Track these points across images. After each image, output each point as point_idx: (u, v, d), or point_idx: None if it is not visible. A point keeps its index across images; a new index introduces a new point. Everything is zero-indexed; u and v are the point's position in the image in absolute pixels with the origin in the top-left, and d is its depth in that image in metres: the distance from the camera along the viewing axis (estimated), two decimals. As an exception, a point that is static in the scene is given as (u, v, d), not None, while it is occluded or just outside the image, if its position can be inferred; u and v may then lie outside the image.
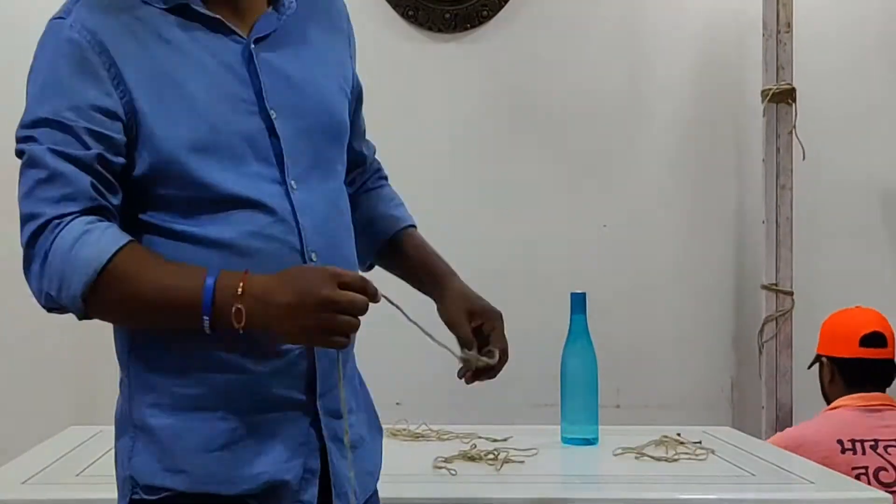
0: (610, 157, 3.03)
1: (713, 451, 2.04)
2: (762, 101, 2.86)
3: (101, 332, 3.13)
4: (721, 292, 3.02)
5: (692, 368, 3.03)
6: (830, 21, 3.04)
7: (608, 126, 3.02)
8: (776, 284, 2.83)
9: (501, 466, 1.90)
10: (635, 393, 3.02)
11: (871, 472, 2.34)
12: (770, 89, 2.82)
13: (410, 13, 2.98)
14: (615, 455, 1.95)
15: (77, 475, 1.81)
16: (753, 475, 1.84)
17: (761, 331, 2.87)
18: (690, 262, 3.04)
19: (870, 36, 3.06)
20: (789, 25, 2.83)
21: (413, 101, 2.99)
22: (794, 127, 2.83)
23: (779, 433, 2.53)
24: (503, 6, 2.99)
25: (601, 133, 3.02)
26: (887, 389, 2.51)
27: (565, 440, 2.14)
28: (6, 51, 2.93)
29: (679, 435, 2.18)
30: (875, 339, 2.48)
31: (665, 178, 3.02)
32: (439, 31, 2.99)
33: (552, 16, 3.00)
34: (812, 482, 1.80)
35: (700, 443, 2.11)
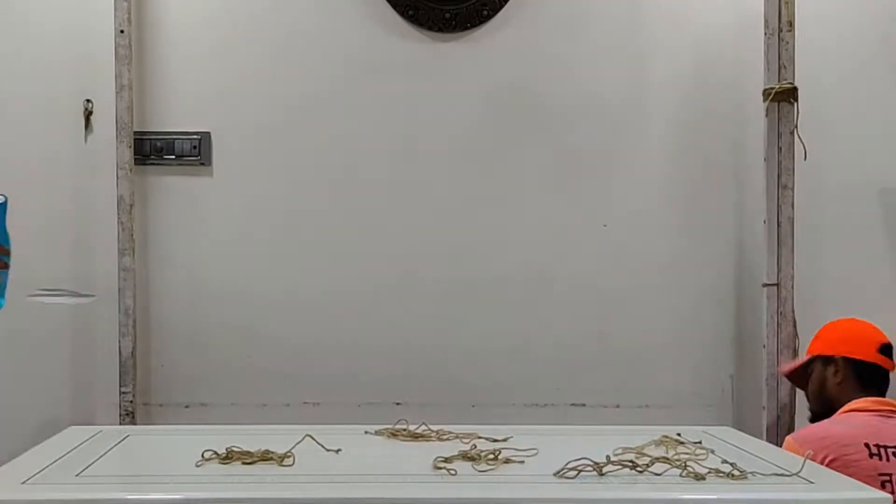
0: (610, 157, 3.02)
1: (713, 451, 2.04)
2: (764, 101, 2.86)
3: (101, 332, 3.14)
4: (721, 292, 3.02)
5: (692, 368, 3.03)
6: (833, 20, 3.04)
7: (609, 125, 3.02)
8: (777, 284, 2.83)
9: (501, 466, 1.90)
10: (635, 393, 3.02)
11: (894, 479, 2.36)
12: (772, 88, 2.82)
13: (410, 13, 2.98)
14: (615, 455, 1.95)
15: (77, 475, 1.81)
16: (753, 475, 1.84)
17: (762, 330, 2.88)
18: (691, 262, 3.04)
19: (872, 35, 3.06)
20: (791, 24, 2.83)
21: (413, 101, 2.99)
22: (796, 126, 2.82)
23: (800, 430, 2.53)
24: (503, 6, 2.99)
25: (601, 132, 3.02)
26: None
27: None
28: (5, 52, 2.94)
29: (679, 435, 2.18)
30: (890, 349, 2.59)
31: (665, 177, 3.02)
32: (439, 31, 2.99)
33: (552, 15, 3.01)
34: (812, 482, 1.80)
35: (700, 443, 2.11)
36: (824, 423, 2.51)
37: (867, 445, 2.38)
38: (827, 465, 2.34)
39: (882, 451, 2.39)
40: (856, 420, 2.46)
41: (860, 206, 3.03)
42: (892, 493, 2.34)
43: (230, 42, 2.98)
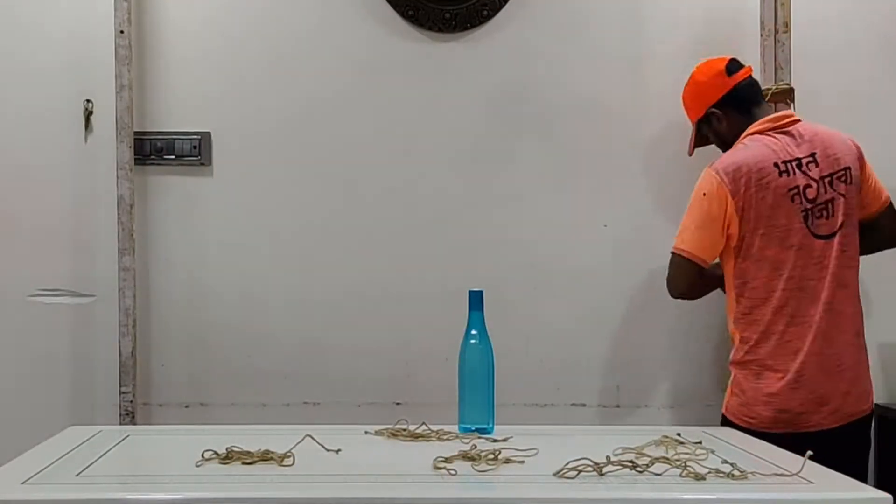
0: (610, 157, 3.03)
1: (713, 451, 2.04)
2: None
3: (101, 332, 3.13)
4: (721, 291, 3.02)
5: (692, 368, 3.03)
6: (829, 21, 3.04)
7: (608, 125, 3.02)
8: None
9: (501, 466, 1.90)
10: (635, 393, 3.02)
11: (801, 189, 2.47)
12: (769, 89, 2.82)
13: (410, 13, 2.98)
14: (615, 455, 1.95)
15: (77, 475, 1.81)
16: (753, 475, 1.83)
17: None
18: (690, 262, 3.03)
19: (869, 36, 3.06)
20: (787, 25, 2.83)
21: (413, 101, 2.99)
22: (794, 127, 2.82)
23: (716, 161, 2.55)
24: (503, 6, 2.99)
25: (601, 133, 3.02)
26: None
27: (462, 428, 2.22)
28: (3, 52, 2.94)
29: (679, 435, 2.18)
30: (734, 64, 2.63)
31: (665, 177, 3.02)
32: (439, 31, 2.99)
33: (552, 15, 3.01)
34: (812, 482, 1.80)
35: (700, 443, 2.11)
36: (736, 152, 2.54)
37: (776, 165, 2.47)
38: (750, 194, 2.46)
39: (788, 166, 2.47)
40: (761, 142, 2.53)
41: (860, 206, 3.03)
42: (800, 203, 2.47)
43: (230, 42, 2.98)
